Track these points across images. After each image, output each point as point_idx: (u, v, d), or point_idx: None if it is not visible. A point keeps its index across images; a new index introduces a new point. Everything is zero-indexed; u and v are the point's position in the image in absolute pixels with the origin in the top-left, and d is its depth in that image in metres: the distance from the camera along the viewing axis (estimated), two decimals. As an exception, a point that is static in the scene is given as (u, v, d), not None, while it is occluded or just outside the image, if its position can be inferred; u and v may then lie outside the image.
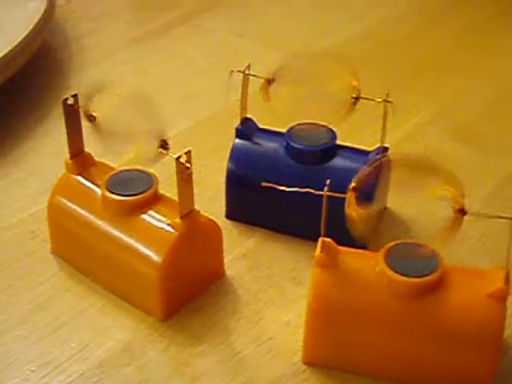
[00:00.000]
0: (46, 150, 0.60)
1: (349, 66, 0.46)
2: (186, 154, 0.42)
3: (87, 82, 0.45)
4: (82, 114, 0.46)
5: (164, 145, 0.43)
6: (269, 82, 0.48)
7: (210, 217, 0.46)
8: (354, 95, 0.47)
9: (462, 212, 0.39)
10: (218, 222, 0.47)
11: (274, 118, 0.49)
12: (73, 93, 0.46)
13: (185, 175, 0.42)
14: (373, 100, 0.47)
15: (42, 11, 0.68)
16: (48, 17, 0.69)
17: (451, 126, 0.63)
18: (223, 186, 0.52)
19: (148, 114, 0.43)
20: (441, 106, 0.66)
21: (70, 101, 0.46)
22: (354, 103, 0.48)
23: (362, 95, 0.48)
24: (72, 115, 0.47)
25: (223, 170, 0.52)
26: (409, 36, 0.77)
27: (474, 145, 0.61)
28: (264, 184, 0.41)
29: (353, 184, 0.40)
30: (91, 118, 0.45)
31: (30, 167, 0.58)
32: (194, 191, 0.44)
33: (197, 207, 0.45)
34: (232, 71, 0.49)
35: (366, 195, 0.41)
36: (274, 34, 0.77)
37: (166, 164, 0.43)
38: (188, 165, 0.42)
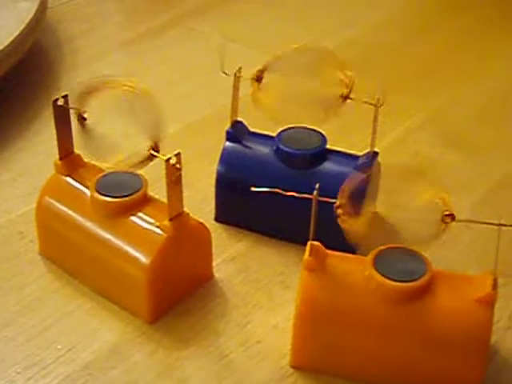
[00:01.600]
0: (37, 150, 0.60)
1: (338, 60, 0.46)
2: (175, 156, 0.42)
3: (83, 81, 0.44)
4: (72, 115, 0.46)
5: (155, 148, 0.42)
6: (258, 79, 0.48)
7: (200, 220, 0.46)
8: (343, 92, 0.47)
9: (451, 217, 0.40)
10: (207, 225, 0.47)
11: (264, 118, 0.49)
12: (63, 93, 0.46)
13: (174, 177, 0.42)
14: (363, 101, 0.47)
15: (33, 11, 0.68)
16: (40, 17, 0.69)
17: (442, 131, 0.64)
18: (213, 189, 0.52)
19: (144, 115, 0.43)
20: (432, 111, 0.66)
21: (60, 102, 0.46)
22: (344, 101, 0.47)
23: (353, 97, 0.47)
24: (62, 116, 0.47)
25: (213, 173, 0.52)
26: (401, 41, 0.78)
27: (464, 150, 0.61)
28: (253, 188, 0.41)
29: (341, 199, 0.40)
30: (82, 120, 0.45)
31: (20, 167, 0.58)
32: (184, 194, 0.44)
33: (186, 210, 0.45)
34: (223, 72, 0.49)
35: (356, 202, 0.41)
36: (266, 38, 0.77)
37: (156, 166, 0.43)
38: (178, 166, 0.42)
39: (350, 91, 0.47)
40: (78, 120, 0.45)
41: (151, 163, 0.44)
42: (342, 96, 0.47)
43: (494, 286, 0.39)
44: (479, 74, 0.72)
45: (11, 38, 0.63)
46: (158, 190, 0.46)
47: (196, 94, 0.68)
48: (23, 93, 0.67)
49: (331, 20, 0.81)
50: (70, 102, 0.46)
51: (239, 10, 0.83)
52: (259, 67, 0.48)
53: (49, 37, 0.76)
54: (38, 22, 0.69)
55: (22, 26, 0.65)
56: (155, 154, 0.43)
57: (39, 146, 0.60)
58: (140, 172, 0.47)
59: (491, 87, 0.70)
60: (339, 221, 0.39)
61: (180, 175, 0.42)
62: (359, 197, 0.45)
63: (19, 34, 0.64)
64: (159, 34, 0.78)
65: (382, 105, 0.47)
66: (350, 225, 0.40)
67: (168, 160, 0.42)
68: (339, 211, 0.39)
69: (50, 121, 0.47)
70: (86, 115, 0.45)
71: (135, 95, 0.43)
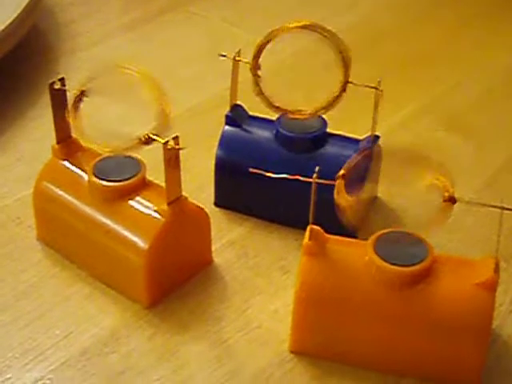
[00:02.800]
0: (34, 135, 0.60)
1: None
2: (173, 139, 0.41)
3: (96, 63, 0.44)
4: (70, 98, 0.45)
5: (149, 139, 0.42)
6: (255, 69, 0.48)
7: (199, 204, 0.46)
8: (342, 81, 0.47)
9: (452, 200, 0.39)
10: (206, 209, 0.46)
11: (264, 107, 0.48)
12: (60, 76, 0.45)
13: (172, 161, 0.42)
14: (363, 86, 0.46)
15: (31, -6, 0.67)
16: (37, 1, 0.68)
17: (443, 116, 0.63)
18: (212, 174, 0.52)
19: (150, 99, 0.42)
20: (433, 97, 0.66)
21: (57, 85, 0.45)
22: (343, 89, 0.47)
23: (355, 81, 0.47)
24: (59, 100, 0.46)
25: (213, 157, 0.51)
26: (401, 27, 0.77)
27: (465, 135, 0.61)
28: (251, 170, 0.41)
29: (342, 171, 0.39)
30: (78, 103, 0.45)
31: (17, 152, 0.58)
32: (183, 179, 0.43)
33: (186, 195, 0.44)
34: (221, 55, 0.48)
35: (356, 183, 0.41)
36: (265, 22, 0.75)
37: (156, 150, 0.43)
38: (176, 148, 0.41)
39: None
40: (74, 103, 0.44)
41: (151, 147, 0.43)
42: (341, 83, 0.47)
43: (496, 270, 0.39)
44: (480, 60, 0.71)
45: (8, 22, 0.62)
46: (158, 174, 0.46)
47: (196, 78, 0.67)
48: (21, 78, 0.66)
49: (331, 6, 0.80)
50: (67, 85, 0.45)
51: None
52: (253, 55, 0.47)
53: (47, 21, 0.76)
54: (36, 6, 0.68)
55: (19, 10, 0.64)
56: (153, 137, 0.42)
57: (37, 130, 0.60)
58: (139, 156, 0.46)
59: (492, 73, 0.69)
60: (336, 195, 0.39)
61: (178, 159, 0.42)
62: (359, 178, 0.44)
63: (16, 18, 0.63)
64: (159, 18, 0.77)
65: (381, 90, 0.47)
66: (348, 202, 0.39)
67: (166, 143, 0.41)
68: (339, 182, 0.39)
69: (48, 106, 0.46)
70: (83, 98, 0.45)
71: (139, 80, 0.43)
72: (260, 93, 0.48)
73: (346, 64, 0.46)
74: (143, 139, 0.42)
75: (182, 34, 0.74)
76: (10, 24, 0.63)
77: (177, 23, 0.76)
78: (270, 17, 0.77)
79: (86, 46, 0.72)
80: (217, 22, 0.76)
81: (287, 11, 0.78)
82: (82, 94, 0.44)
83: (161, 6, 0.79)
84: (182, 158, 0.42)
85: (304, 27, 0.46)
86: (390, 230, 0.42)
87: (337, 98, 0.47)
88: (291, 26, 0.46)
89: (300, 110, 0.48)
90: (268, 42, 0.47)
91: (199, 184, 0.54)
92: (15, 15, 0.64)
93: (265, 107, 0.48)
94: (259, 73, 0.48)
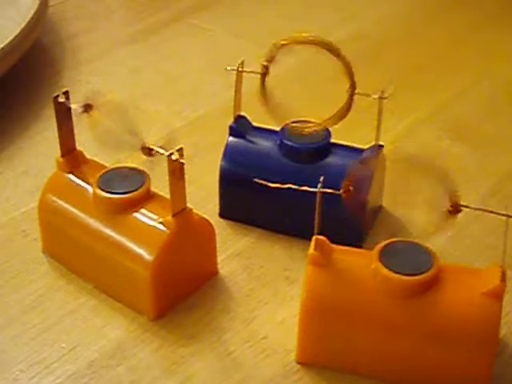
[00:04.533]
0: (39, 148, 0.60)
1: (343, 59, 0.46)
2: (177, 151, 0.41)
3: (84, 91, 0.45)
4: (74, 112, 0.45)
5: (148, 152, 0.42)
6: (264, 74, 0.48)
7: (204, 216, 0.46)
8: (349, 91, 0.47)
9: (457, 209, 0.39)
10: (211, 220, 0.46)
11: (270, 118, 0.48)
12: (64, 90, 0.46)
13: (177, 173, 0.42)
14: (368, 95, 0.46)
15: (35, 9, 0.67)
16: (41, 15, 0.69)
17: (448, 124, 0.63)
18: (217, 185, 0.52)
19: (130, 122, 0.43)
20: (438, 105, 0.66)
21: (61, 98, 0.46)
22: (351, 99, 0.47)
23: (360, 92, 0.47)
24: (63, 112, 0.46)
25: (217, 168, 0.51)
26: (405, 35, 0.77)
27: (471, 143, 0.60)
28: (256, 180, 0.41)
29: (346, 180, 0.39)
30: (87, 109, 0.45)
31: (23, 166, 0.58)
32: (188, 190, 0.43)
33: (191, 206, 0.44)
34: (229, 68, 0.48)
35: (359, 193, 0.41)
36: (269, 33, 0.76)
37: (161, 162, 0.43)
38: (180, 161, 0.41)
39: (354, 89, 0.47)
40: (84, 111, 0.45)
41: (155, 160, 0.43)
42: (348, 93, 0.47)
43: (503, 278, 0.39)
44: (485, 68, 0.71)
45: (12, 37, 0.63)
46: (162, 186, 0.46)
47: (200, 90, 0.67)
48: (25, 91, 0.67)
49: (335, 15, 0.80)
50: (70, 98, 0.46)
51: (242, 5, 0.83)
52: (264, 61, 0.47)
53: (50, 35, 0.76)
54: (39, 20, 0.68)
55: (23, 24, 0.65)
56: (156, 149, 0.42)
57: (42, 144, 0.60)
58: (143, 168, 0.46)
59: (497, 81, 0.69)
60: (344, 198, 0.39)
61: (182, 170, 0.42)
62: (363, 186, 0.44)
63: (20, 33, 0.64)
64: (162, 31, 0.77)
65: (386, 98, 0.47)
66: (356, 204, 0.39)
67: (170, 155, 0.41)
68: (346, 183, 0.39)
69: (53, 119, 0.46)
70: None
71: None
72: (267, 104, 0.48)
73: (353, 83, 0.46)
74: (147, 152, 0.42)
75: (186, 46, 0.75)
76: (14, 39, 0.63)
77: (180, 35, 0.76)
78: (273, 28, 0.77)
79: (90, 59, 0.72)
80: (220, 33, 0.77)
81: (290, 22, 0.78)
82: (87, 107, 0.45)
83: (164, 19, 0.79)
84: (186, 169, 0.42)
85: (312, 43, 0.46)
86: (395, 239, 0.42)
87: (345, 111, 0.47)
88: (301, 39, 0.46)
89: (307, 122, 0.48)
90: (278, 50, 0.47)
91: (204, 195, 0.54)
92: (19, 30, 0.64)
93: (268, 118, 0.48)
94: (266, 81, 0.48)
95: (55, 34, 0.76)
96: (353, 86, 0.47)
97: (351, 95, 0.47)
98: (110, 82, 0.69)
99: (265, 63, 0.47)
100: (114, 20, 0.81)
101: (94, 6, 0.83)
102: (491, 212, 0.39)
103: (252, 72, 0.48)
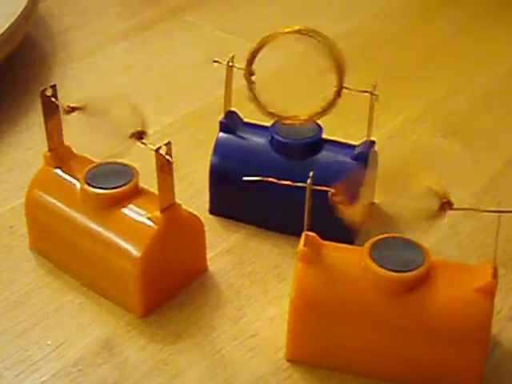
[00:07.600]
0: (27, 144, 0.59)
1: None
2: (165, 145, 0.41)
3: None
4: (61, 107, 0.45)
5: (140, 135, 0.41)
6: (249, 75, 0.47)
7: (194, 212, 0.45)
8: (337, 86, 0.46)
9: (449, 205, 0.38)
10: (201, 217, 0.46)
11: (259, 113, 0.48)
12: (51, 84, 0.45)
13: (165, 168, 0.41)
14: (357, 91, 0.46)
15: (24, 3, 0.66)
16: (31, 9, 0.68)
17: (441, 121, 0.63)
18: (207, 181, 0.51)
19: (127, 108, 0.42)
20: (431, 102, 0.65)
21: (48, 92, 0.45)
22: (338, 95, 0.46)
23: (349, 87, 0.46)
24: (50, 107, 0.45)
25: (207, 164, 0.51)
26: (399, 32, 0.77)
27: (463, 140, 0.60)
28: (244, 178, 0.40)
29: (333, 190, 0.38)
30: (69, 110, 0.44)
31: (10, 161, 0.57)
32: (178, 187, 0.43)
33: (180, 202, 0.43)
34: (215, 61, 0.48)
35: (351, 192, 0.40)
36: (261, 29, 0.75)
37: (149, 157, 0.42)
38: (168, 157, 0.41)
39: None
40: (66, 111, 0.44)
41: (143, 153, 0.42)
42: (336, 88, 0.46)
43: (494, 275, 0.38)
44: (478, 65, 0.71)
45: (1, 31, 0.62)
46: (151, 182, 0.45)
47: (190, 86, 0.67)
48: (14, 87, 0.66)
49: (326, 13, 0.80)
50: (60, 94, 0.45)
51: (234, 2, 0.82)
52: (247, 60, 0.47)
53: (41, 30, 0.75)
54: (30, 15, 0.68)
55: (13, 19, 0.64)
56: (145, 143, 0.42)
57: (30, 140, 0.59)
58: (131, 163, 0.46)
59: (490, 78, 0.69)
60: (336, 209, 0.38)
61: (170, 165, 0.41)
62: (355, 185, 0.44)
63: (10, 27, 0.63)
64: (153, 27, 0.77)
65: (376, 94, 0.46)
66: (348, 213, 0.39)
67: (157, 150, 0.41)
68: (335, 199, 0.38)
69: (42, 115, 0.46)
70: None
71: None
72: (254, 99, 0.47)
73: (340, 69, 0.46)
74: (137, 134, 0.41)
75: (177, 43, 0.74)
76: (4, 33, 0.62)
77: (171, 32, 0.76)
78: (265, 24, 0.77)
79: (80, 55, 0.72)
80: (211, 30, 0.76)
81: (282, 19, 0.78)
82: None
83: (155, 15, 0.79)
84: (176, 165, 0.42)
85: (297, 32, 0.45)
86: (386, 235, 0.41)
87: (332, 104, 0.47)
88: (284, 31, 0.46)
89: (295, 116, 0.48)
90: (261, 47, 0.46)
91: (194, 192, 0.53)
92: (8, 24, 0.63)
93: (259, 113, 0.48)
94: (253, 78, 0.47)
95: (46, 29, 0.76)
96: (341, 81, 0.46)
97: (339, 90, 0.46)
98: (101, 78, 0.68)
99: (247, 69, 0.47)
100: (105, 16, 0.80)
101: (85, 2, 0.82)
102: (482, 211, 0.38)
103: (241, 68, 0.48)
